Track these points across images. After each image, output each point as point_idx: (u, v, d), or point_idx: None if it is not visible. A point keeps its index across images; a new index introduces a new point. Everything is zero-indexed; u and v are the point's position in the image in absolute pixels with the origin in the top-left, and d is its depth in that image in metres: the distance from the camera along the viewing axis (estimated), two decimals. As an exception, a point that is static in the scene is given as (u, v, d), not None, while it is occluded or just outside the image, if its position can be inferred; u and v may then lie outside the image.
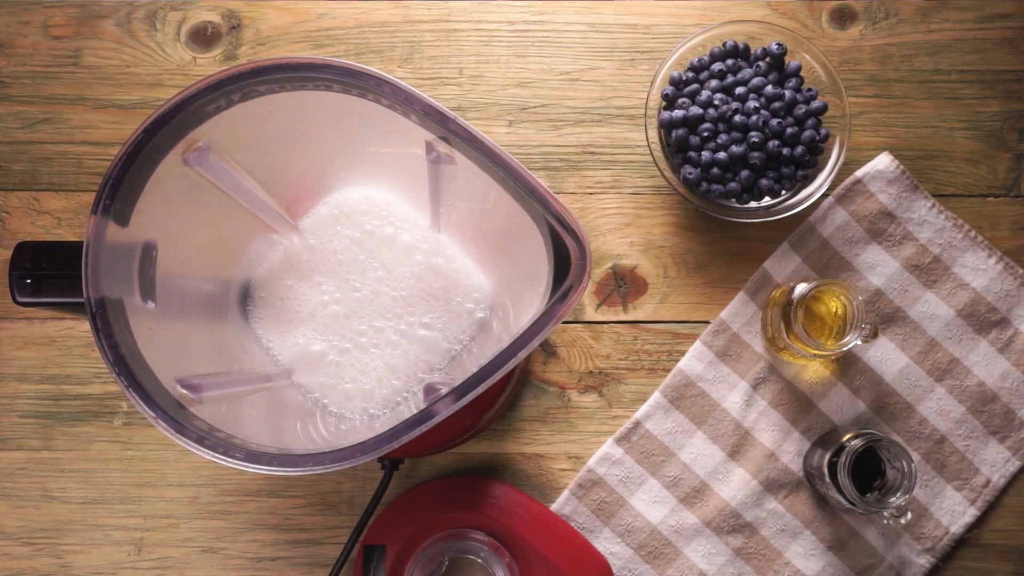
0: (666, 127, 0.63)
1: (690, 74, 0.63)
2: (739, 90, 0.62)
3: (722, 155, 0.61)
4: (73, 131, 0.67)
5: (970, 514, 0.64)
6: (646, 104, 0.63)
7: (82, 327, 0.66)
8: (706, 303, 0.66)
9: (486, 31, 0.68)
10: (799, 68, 0.63)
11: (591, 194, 0.67)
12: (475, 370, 0.43)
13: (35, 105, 0.67)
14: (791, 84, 0.62)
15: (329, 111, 0.48)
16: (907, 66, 0.68)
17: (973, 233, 0.66)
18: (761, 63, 0.63)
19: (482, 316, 0.59)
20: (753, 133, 0.61)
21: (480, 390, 0.42)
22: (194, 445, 0.42)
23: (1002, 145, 0.67)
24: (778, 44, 0.62)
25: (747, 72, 0.62)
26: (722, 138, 0.61)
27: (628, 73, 0.68)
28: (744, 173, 0.62)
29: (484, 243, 0.58)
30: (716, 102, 0.61)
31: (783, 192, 0.64)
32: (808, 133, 0.62)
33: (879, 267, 0.65)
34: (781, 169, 0.62)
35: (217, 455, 0.42)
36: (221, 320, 0.57)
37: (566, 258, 0.44)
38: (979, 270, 0.65)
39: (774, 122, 0.61)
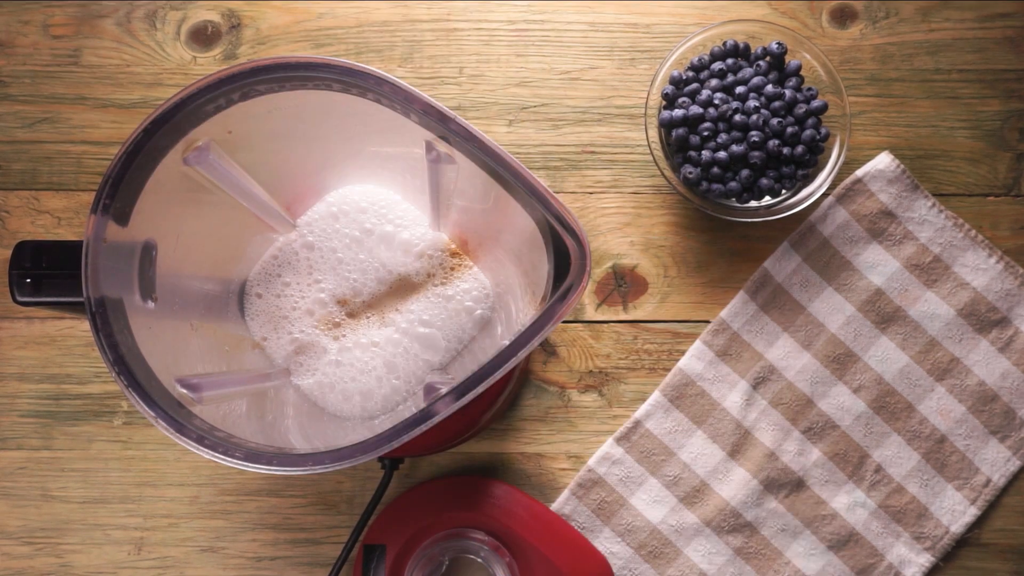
0: (666, 126, 0.63)
1: (690, 73, 0.63)
2: (739, 89, 0.62)
3: (722, 154, 0.61)
4: (73, 130, 0.67)
5: (970, 513, 0.64)
6: (646, 103, 0.63)
7: (82, 326, 0.66)
8: (706, 302, 0.66)
9: (486, 30, 0.68)
10: (799, 67, 0.62)
11: (591, 193, 0.67)
12: (475, 369, 0.43)
13: (35, 105, 0.67)
14: (791, 83, 0.62)
15: (329, 110, 0.48)
16: (907, 65, 0.68)
17: (973, 232, 0.66)
18: (761, 62, 0.63)
19: (481, 314, 0.59)
20: (753, 132, 0.61)
21: (480, 389, 0.42)
22: (194, 444, 0.42)
23: (1002, 144, 0.67)
24: (778, 43, 0.62)
25: (747, 71, 0.62)
26: (722, 137, 0.61)
27: (628, 72, 0.68)
28: (744, 172, 0.61)
29: (484, 242, 0.58)
30: (716, 101, 0.61)
31: (783, 191, 0.64)
32: (808, 132, 0.61)
33: (879, 266, 0.65)
34: (781, 168, 0.62)
35: (217, 454, 0.42)
36: (221, 319, 0.57)
37: (566, 257, 0.44)
38: (979, 269, 0.65)
39: (774, 121, 0.60)
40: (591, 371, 0.66)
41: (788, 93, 0.61)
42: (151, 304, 0.47)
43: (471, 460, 0.65)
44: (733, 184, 0.62)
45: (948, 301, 0.65)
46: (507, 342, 0.43)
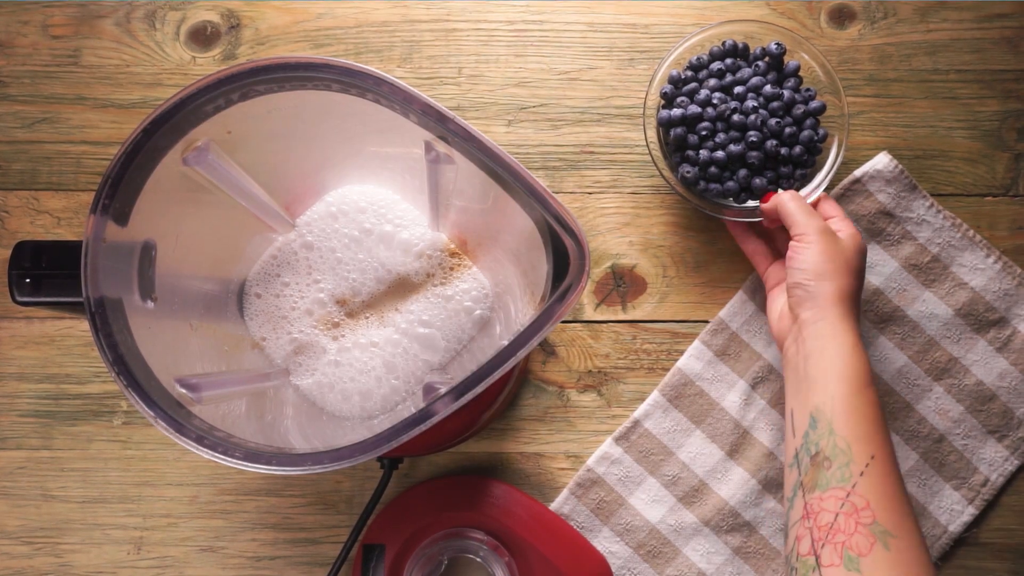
0: (664, 125, 0.63)
1: (689, 73, 0.63)
2: (738, 89, 0.62)
3: (720, 154, 0.61)
4: (72, 131, 0.67)
5: (968, 513, 0.64)
6: (644, 103, 0.63)
7: (81, 326, 0.66)
8: (705, 302, 0.66)
9: (485, 31, 0.68)
10: (798, 68, 0.62)
11: (590, 194, 0.67)
12: (474, 369, 0.43)
13: (35, 105, 0.67)
14: (790, 84, 0.62)
15: (328, 111, 0.48)
16: (906, 66, 0.68)
17: (971, 232, 0.66)
18: (760, 63, 0.63)
19: (480, 314, 0.59)
20: (751, 132, 0.61)
21: (479, 389, 0.42)
22: (193, 444, 0.43)
23: (1000, 145, 0.67)
24: (777, 44, 0.62)
25: (746, 71, 0.62)
26: (720, 137, 0.61)
27: (627, 72, 0.68)
28: (742, 172, 0.62)
29: (483, 242, 0.58)
30: (715, 101, 0.61)
31: (780, 192, 0.64)
32: (806, 133, 0.61)
33: (878, 266, 0.65)
34: (779, 168, 0.62)
35: (216, 454, 0.43)
36: (220, 319, 0.57)
37: (565, 258, 0.44)
38: (977, 269, 0.65)
39: (772, 121, 0.61)
40: (590, 371, 0.66)
41: (787, 94, 0.61)
42: (150, 304, 0.47)
43: (470, 460, 0.65)
44: (731, 184, 0.62)
45: (946, 301, 0.65)
46: (506, 342, 0.43)
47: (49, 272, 0.46)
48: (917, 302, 0.65)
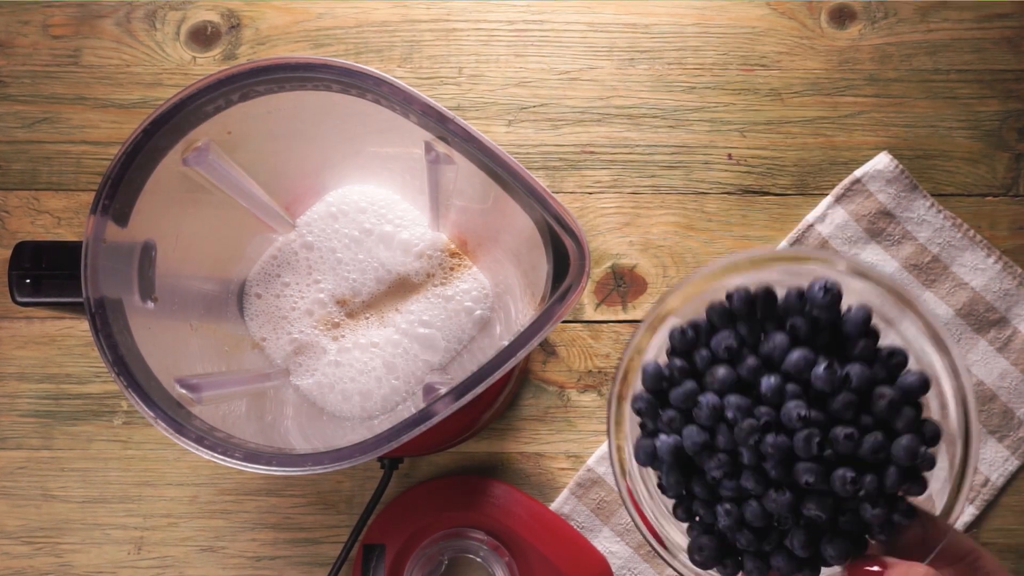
0: (648, 465, 0.35)
1: (678, 362, 0.34)
2: (767, 382, 0.32)
3: (753, 507, 0.32)
4: (73, 131, 0.67)
5: (968, 513, 0.64)
6: (608, 422, 0.36)
7: (82, 326, 0.66)
8: (705, 302, 0.66)
9: (485, 31, 0.68)
10: (868, 317, 0.33)
11: (590, 194, 0.67)
12: (474, 370, 0.43)
13: (35, 105, 0.67)
14: (859, 347, 0.33)
15: (328, 111, 0.49)
16: (906, 65, 0.68)
17: (972, 232, 0.66)
18: (798, 319, 0.33)
19: (481, 314, 0.59)
20: (803, 468, 0.32)
21: (479, 390, 0.42)
22: (193, 445, 0.43)
23: (1001, 144, 0.67)
24: (824, 286, 0.33)
25: (777, 339, 0.33)
26: (748, 480, 0.33)
27: (627, 72, 0.68)
28: (799, 536, 0.33)
29: (483, 242, 0.58)
30: (730, 413, 0.32)
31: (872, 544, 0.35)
32: (906, 442, 0.32)
33: (878, 267, 0.65)
34: (867, 510, 0.32)
35: (216, 455, 0.43)
36: (220, 319, 0.57)
37: (565, 258, 0.44)
38: (978, 269, 0.65)
39: (839, 433, 0.31)
40: (590, 371, 0.66)
41: (856, 371, 0.32)
42: (150, 304, 0.47)
43: (470, 460, 0.65)
44: (780, 561, 0.33)
45: (947, 301, 0.65)
46: (506, 342, 0.43)
47: (49, 272, 0.46)
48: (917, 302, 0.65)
